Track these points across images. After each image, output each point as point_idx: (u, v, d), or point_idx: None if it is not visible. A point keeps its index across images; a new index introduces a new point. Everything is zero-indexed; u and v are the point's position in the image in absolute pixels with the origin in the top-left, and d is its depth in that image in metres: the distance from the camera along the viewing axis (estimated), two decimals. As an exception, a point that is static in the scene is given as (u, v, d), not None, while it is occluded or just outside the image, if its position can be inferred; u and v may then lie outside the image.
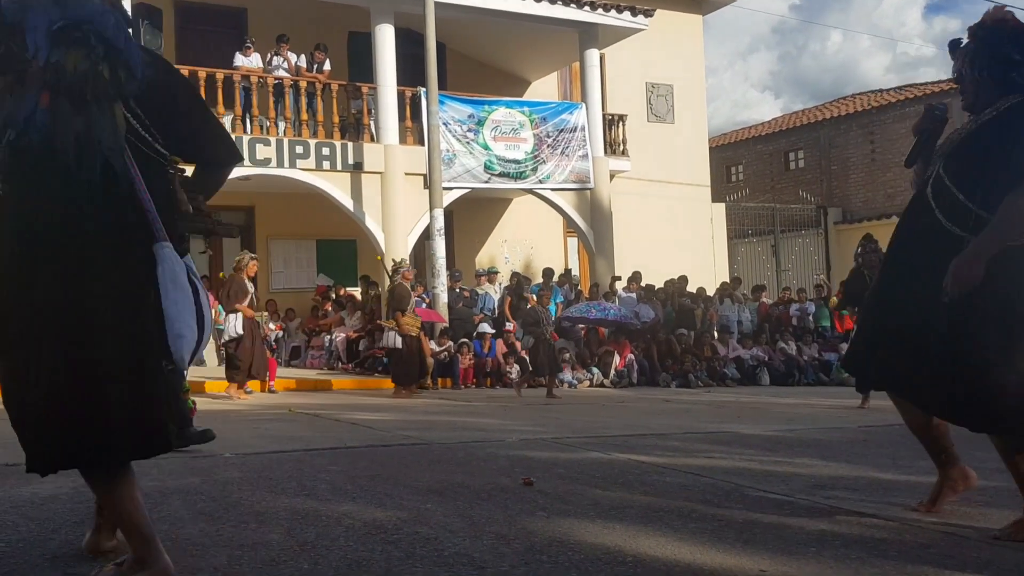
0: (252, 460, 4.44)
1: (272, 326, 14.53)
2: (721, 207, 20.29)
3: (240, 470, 4.10)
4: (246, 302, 10.18)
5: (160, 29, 13.93)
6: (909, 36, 72.19)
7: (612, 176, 16.67)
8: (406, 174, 14.39)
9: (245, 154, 13.28)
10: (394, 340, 10.99)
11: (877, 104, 22.96)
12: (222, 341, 10.22)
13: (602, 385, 13.40)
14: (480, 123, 15.01)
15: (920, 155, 3.23)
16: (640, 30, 16.42)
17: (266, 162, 13.52)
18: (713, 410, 9.05)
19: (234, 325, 10.07)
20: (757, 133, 26.73)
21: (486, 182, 15.05)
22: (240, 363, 10.04)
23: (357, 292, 15.60)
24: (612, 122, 17.26)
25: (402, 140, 14.59)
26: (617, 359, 13.73)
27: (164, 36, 14.13)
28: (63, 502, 3.24)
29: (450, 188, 14.44)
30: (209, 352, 14.74)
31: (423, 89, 14.01)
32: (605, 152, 16.41)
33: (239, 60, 14.04)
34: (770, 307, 16.57)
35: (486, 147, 14.98)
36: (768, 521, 3.10)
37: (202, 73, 13.28)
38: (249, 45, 14.22)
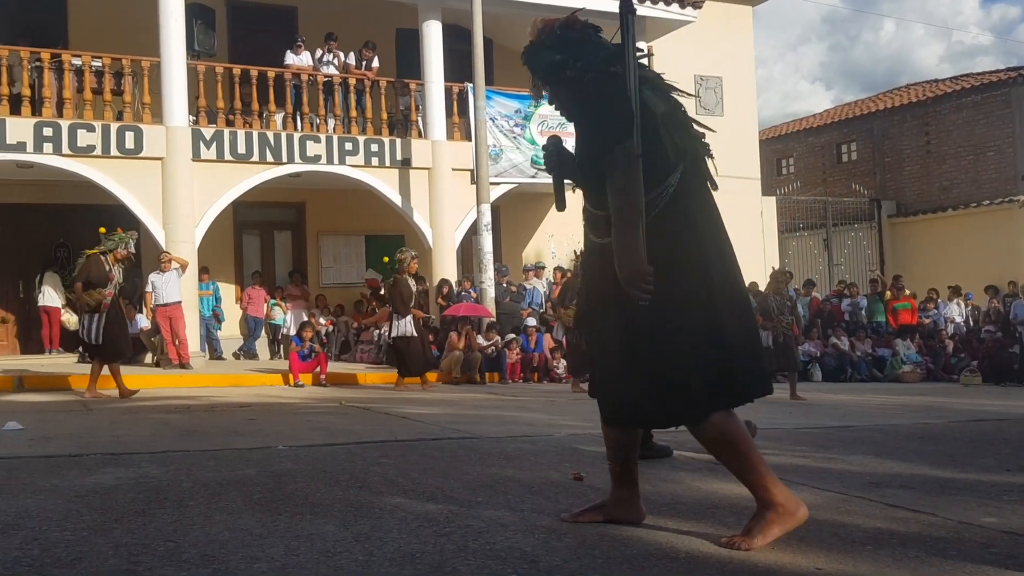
0: (305, 452, 4.50)
1: (323, 321, 14.73)
2: (771, 200, 20.03)
3: (294, 462, 4.17)
4: (412, 301, 10.76)
5: (213, 29, 14.18)
6: (965, 24, 70.36)
7: (660, 170, 16.52)
8: (453, 170, 14.47)
9: (296, 152, 13.48)
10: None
11: (932, 94, 22.42)
12: (391, 337, 10.96)
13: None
14: (527, 118, 15.02)
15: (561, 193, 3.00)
16: (688, 22, 16.26)
17: (316, 159, 13.68)
18: (764, 405, 8.87)
19: (406, 326, 10.71)
20: (808, 125, 26.28)
21: (533, 177, 15.06)
22: (411, 360, 10.74)
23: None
24: (660, 115, 17.11)
25: (449, 136, 14.66)
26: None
27: (217, 35, 14.37)
28: (124, 492, 3.33)
29: (497, 183, 14.49)
30: (261, 345, 15.02)
31: (470, 85, 14.07)
32: (653, 146, 16.27)
33: (290, 58, 14.23)
34: (822, 302, 16.31)
35: (533, 142, 14.99)
36: (823, 519, 3.06)
37: (254, 72, 13.50)
38: (300, 43, 14.40)
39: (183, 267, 12.22)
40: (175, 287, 12.16)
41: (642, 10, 15.64)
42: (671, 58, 18.50)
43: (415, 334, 10.78)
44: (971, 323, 16.71)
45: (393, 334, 10.90)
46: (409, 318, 10.77)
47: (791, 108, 72.84)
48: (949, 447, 5.21)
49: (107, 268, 8.98)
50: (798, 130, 26.33)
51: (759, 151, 20.17)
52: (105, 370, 8.95)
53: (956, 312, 16.99)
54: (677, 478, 3.83)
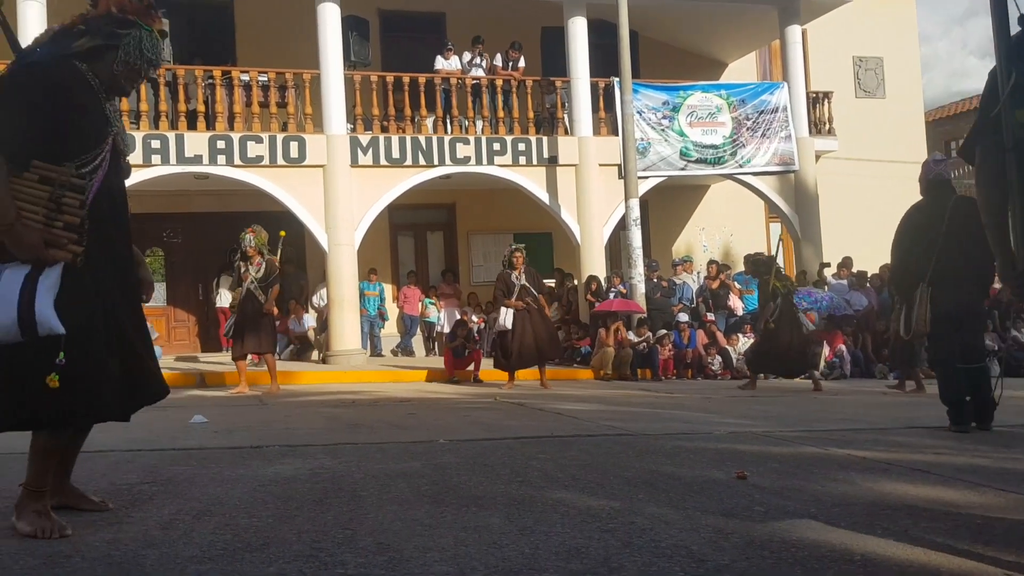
0: (466, 447, 4.62)
1: (475, 318, 15.03)
2: (941, 185, 18.82)
3: (456, 455, 4.28)
4: (514, 296, 10.52)
5: (367, 39, 14.74)
6: None
7: (818, 157, 15.92)
8: (600, 165, 14.43)
9: (446, 154, 13.83)
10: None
11: None
12: (495, 331, 10.97)
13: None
14: (675, 109, 14.78)
15: None
16: (846, 2, 15.54)
17: (466, 160, 13.98)
18: (938, 403, 8.42)
19: (503, 318, 10.54)
20: (978, 104, 24.57)
21: (682, 169, 14.80)
22: (510, 353, 10.46)
23: (553, 284, 15.82)
24: (817, 100, 16.47)
25: (596, 131, 14.64)
26: (826, 350, 13.09)
27: (371, 45, 14.93)
28: (303, 482, 3.52)
29: (645, 177, 14.33)
30: (417, 342, 15.52)
31: (616, 79, 13.98)
32: (810, 132, 15.70)
33: (440, 63, 14.61)
34: (999, 291, 15.17)
35: (682, 134, 14.73)
36: (1012, 520, 2.87)
37: (406, 79, 13.93)
38: (449, 48, 14.77)
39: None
40: None
41: (795, -8, 15.08)
42: (828, 40, 17.79)
43: (509, 327, 10.41)
44: None
45: (495, 328, 10.85)
46: (506, 311, 10.46)
47: (959, 87, 68.01)
48: None
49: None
50: (968, 110, 24.65)
51: (926, 133, 19.02)
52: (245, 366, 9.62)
53: None
54: (848, 478, 3.68)
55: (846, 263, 14.75)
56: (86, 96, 2.72)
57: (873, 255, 15.72)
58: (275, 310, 9.72)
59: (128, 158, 2.92)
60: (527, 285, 10.52)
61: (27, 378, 2.51)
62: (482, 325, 15.28)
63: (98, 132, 2.73)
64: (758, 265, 10.98)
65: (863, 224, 16.84)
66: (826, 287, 13.97)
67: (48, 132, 2.62)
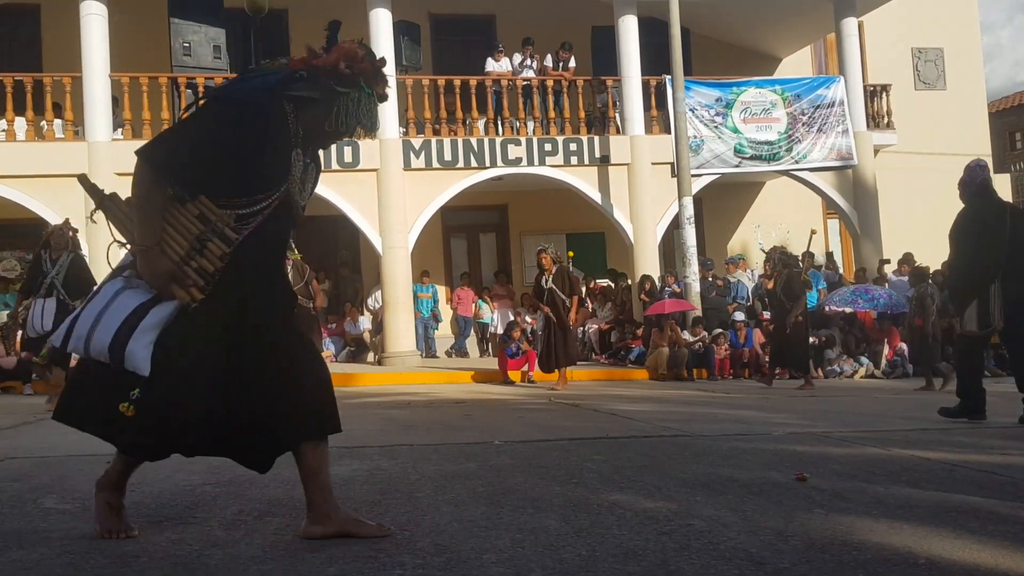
0: (521, 448, 4.62)
1: (529, 319, 15.04)
2: (1005, 178, 18.31)
3: (511, 457, 4.28)
4: (544, 298, 10.66)
5: (419, 44, 14.86)
6: None
7: (876, 151, 15.59)
8: (653, 164, 14.33)
9: (498, 155, 13.86)
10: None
11: None
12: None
13: (872, 376, 12.59)
14: (728, 106, 14.61)
15: None
16: (903, -8, 15.21)
17: (517, 161, 14.01)
18: (1005, 402, 8.16)
19: (538, 322, 10.91)
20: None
21: (736, 166, 14.63)
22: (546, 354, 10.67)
23: (604, 283, 15.77)
24: (874, 93, 16.13)
25: (648, 130, 14.54)
26: (886, 348, 12.81)
27: (422, 49, 15.04)
28: (360, 483, 3.57)
29: (699, 175, 14.19)
30: (471, 343, 15.59)
31: (668, 77, 13.87)
32: (868, 126, 15.38)
33: (490, 65, 14.66)
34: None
35: (735, 130, 14.56)
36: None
37: (457, 81, 14.01)
38: (500, 50, 14.81)
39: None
40: None
41: (850, -17, 14.80)
42: (885, 32, 17.41)
43: (540, 331, 10.63)
44: None
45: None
46: (539, 315, 10.75)
47: (1023, 76, 66.02)
48: None
49: None
50: (1034, 99, 23.89)
51: (989, 125, 18.49)
52: None
53: None
54: (912, 479, 3.60)
55: (907, 259, 14.42)
56: (280, 140, 2.60)
57: (934, 251, 15.34)
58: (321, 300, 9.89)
59: (302, 207, 2.73)
60: (553, 288, 10.57)
61: (110, 401, 2.48)
62: (535, 326, 15.28)
63: (275, 179, 2.60)
64: (787, 257, 10.80)
65: (924, 219, 16.42)
66: (886, 284, 13.67)
67: (226, 171, 2.53)
